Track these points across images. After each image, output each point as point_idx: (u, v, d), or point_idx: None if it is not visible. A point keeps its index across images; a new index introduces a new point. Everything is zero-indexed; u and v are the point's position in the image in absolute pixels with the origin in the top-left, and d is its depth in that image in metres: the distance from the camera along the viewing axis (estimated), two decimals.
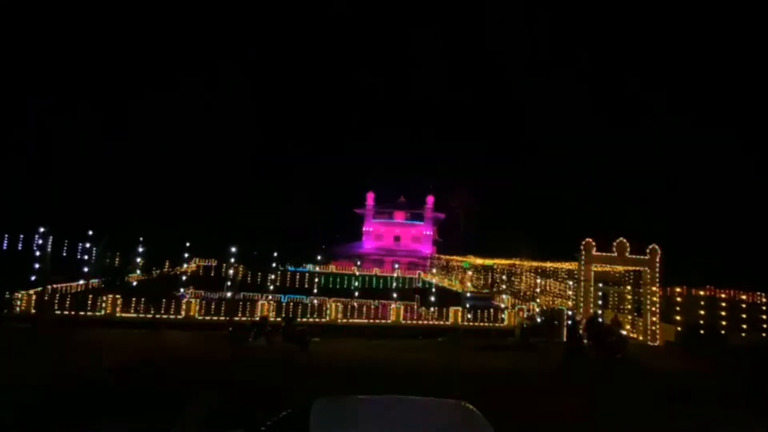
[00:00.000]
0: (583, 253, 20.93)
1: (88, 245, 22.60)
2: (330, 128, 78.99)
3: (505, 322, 20.60)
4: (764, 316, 20.18)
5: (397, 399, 5.12)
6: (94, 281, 21.74)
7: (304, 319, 18.02)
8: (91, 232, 22.23)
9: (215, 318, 17.88)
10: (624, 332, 18.68)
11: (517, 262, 30.33)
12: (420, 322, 20.09)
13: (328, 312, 19.07)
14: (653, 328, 20.21)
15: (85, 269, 20.89)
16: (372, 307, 20.50)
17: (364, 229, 50.30)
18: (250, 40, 75.53)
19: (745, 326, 19.53)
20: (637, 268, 21.56)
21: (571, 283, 22.96)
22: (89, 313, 16.83)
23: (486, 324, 20.33)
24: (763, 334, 19.60)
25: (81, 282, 20.31)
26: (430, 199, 49.54)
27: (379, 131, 76.40)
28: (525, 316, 21.21)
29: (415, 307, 22.61)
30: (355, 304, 20.39)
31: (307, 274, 33.20)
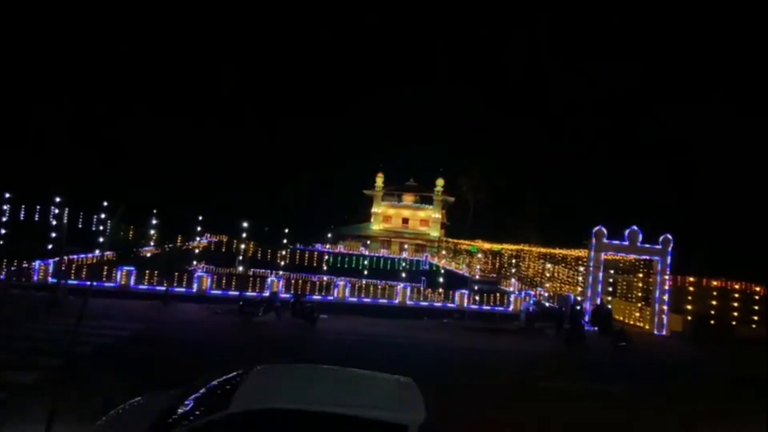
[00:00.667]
0: (594, 240, 20.73)
1: (103, 216, 22.84)
2: (342, 107, 78.27)
3: (511, 307, 20.68)
4: None
5: (339, 371, 5.12)
6: (109, 253, 22.25)
7: (313, 297, 18.30)
8: (106, 203, 22.44)
9: (227, 293, 18.26)
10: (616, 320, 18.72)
11: (526, 248, 30.21)
12: (426, 303, 20.26)
13: (336, 291, 19.32)
14: (661, 317, 20.12)
15: (100, 239, 21.23)
16: (379, 287, 20.69)
17: (372, 210, 50.29)
18: (262, 14, 74.00)
19: (756, 318, 19.33)
20: (649, 257, 21.33)
21: (581, 269, 22.78)
22: (104, 284, 17.30)
23: (492, 307, 20.44)
24: None
25: (96, 254, 20.78)
26: (441, 182, 49.15)
27: (392, 112, 75.40)
28: (531, 301, 21.25)
29: (422, 288, 22.78)
30: (363, 283, 20.61)
31: (316, 254, 33.56)
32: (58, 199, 18.58)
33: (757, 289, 20.35)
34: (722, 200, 37.46)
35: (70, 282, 16.48)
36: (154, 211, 24.22)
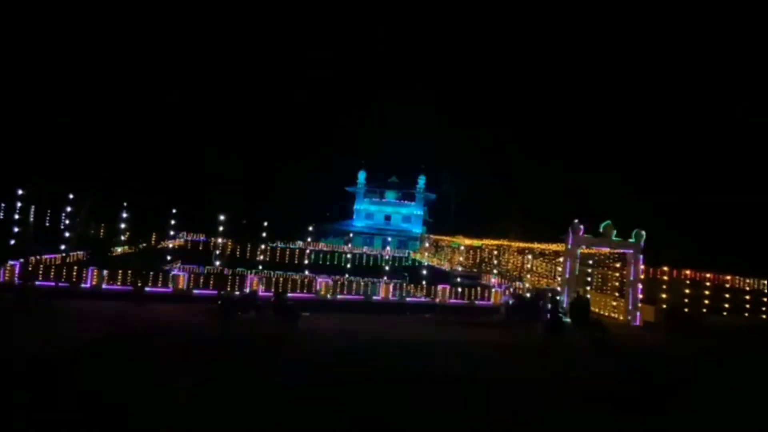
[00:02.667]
0: (571, 234, 21.24)
1: (69, 209, 21.51)
2: (323, 103, 77.50)
3: (492, 301, 20.98)
4: (747, 297, 20.97)
5: None
6: (79, 252, 21.38)
7: (295, 294, 18.09)
8: (72, 196, 21.13)
9: (204, 291, 17.83)
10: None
11: (505, 243, 30.72)
12: (408, 299, 20.34)
13: (318, 288, 19.15)
14: (635, 308, 20.82)
15: (66, 234, 20.13)
16: (361, 283, 20.62)
17: (354, 207, 50.16)
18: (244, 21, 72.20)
19: (727, 306, 20.25)
20: (623, 251, 22.01)
21: (560, 261, 23.29)
22: (75, 285, 16.63)
23: (473, 302, 20.68)
24: (746, 314, 20.39)
25: (65, 254, 19.90)
26: (422, 179, 49.43)
27: (373, 108, 75.08)
28: (511, 293, 21.62)
29: (404, 284, 22.84)
30: (345, 280, 20.50)
31: (297, 251, 33.18)
32: (20, 192, 17.58)
33: (728, 278, 21.31)
34: (695, 196, 39.04)
35: (38, 283, 15.77)
36: (125, 204, 23.02)
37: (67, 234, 19.93)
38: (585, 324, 16.62)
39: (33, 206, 17.62)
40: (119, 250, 23.82)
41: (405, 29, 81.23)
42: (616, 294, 22.54)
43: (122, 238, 23.18)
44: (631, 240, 21.44)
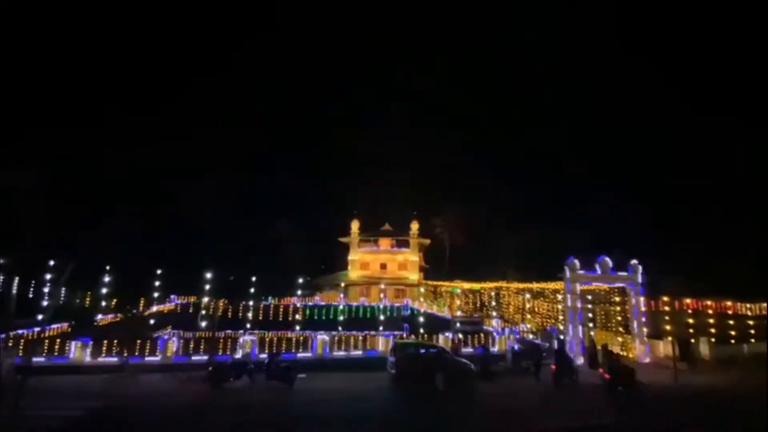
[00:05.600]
0: (568, 272, 21.04)
1: (49, 276, 20.62)
2: (313, 155, 79.35)
3: (496, 347, 20.19)
4: (750, 323, 20.48)
5: None
6: (64, 324, 20.43)
7: (289, 354, 17.23)
8: (52, 263, 20.20)
9: (195, 357, 16.91)
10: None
11: (504, 284, 30.27)
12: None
13: (314, 346, 18.31)
14: (642, 344, 20.18)
15: (45, 302, 19.10)
16: (360, 337, 19.81)
17: (349, 257, 49.66)
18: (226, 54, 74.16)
19: (733, 333, 19.68)
20: (622, 285, 21.75)
21: (560, 299, 22.82)
22: (56, 360, 15.70)
23: (478, 349, 19.84)
24: (752, 341, 19.80)
25: (44, 327, 18.90)
26: (415, 225, 49.60)
27: (363, 158, 77.02)
28: (515, 338, 20.90)
29: (404, 336, 22.02)
30: (342, 336, 19.68)
31: (291, 307, 32.19)
32: (1, 261, 16.82)
33: (728, 303, 20.97)
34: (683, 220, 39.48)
35: (17, 360, 14.83)
36: (107, 267, 22.10)
37: (45, 302, 19.04)
38: (613, 373, 15.08)
39: (17, 277, 16.95)
40: (105, 318, 22.83)
41: (397, 78, 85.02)
42: (621, 329, 21.95)
43: (106, 303, 22.19)
44: (626, 273, 21.28)
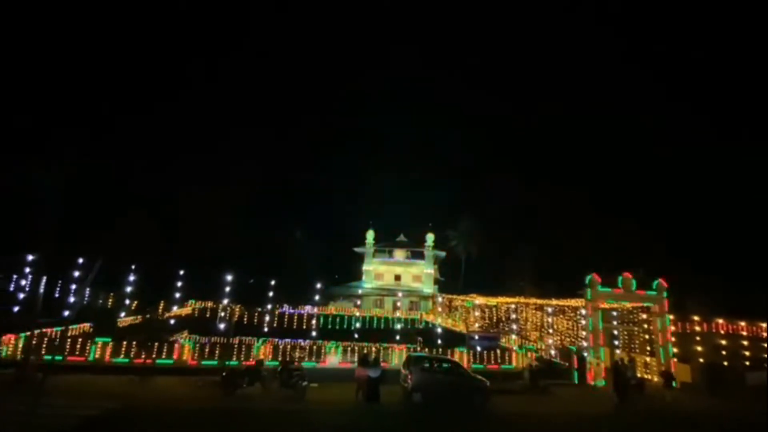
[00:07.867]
0: (589, 289, 20.41)
1: (77, 273, 20.98)
2: (330, 165, 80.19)
3: (513, 364, 19.64)
4: None
5: None
6: (85, 324, 20.91)
7: (302, 363, 17.15)
8: (81, 260, 20.69)
9: (209, 362, 17.02)
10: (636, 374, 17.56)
11: (522, 300, 29.55)
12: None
13: (327, 355, 18.20)
14: (668, 368, 19.26)
15: (71, 300, 19.49)
16: (373, 349, 19.59)
17: (363, 268, 49.55)
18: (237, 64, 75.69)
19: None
20: (645, 304, 20.93)
21: (582, 317, 22.08)
22: (78, 358, 16.04)
23: (493, 366, 19.38)
24: None
25: (67, 325, 19.39)
26: (431, 237, 49.23)
27: (380, 169, 77.39)
28: (534, 356, 20.28)
29: (419, 349, 21.69)
30: (356, 346, 19.51)
31: (305, 315, 32.22)
32: (30, 258, 17.17)
33: (763, 325, 19.82)
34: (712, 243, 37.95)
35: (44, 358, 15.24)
36: (132, 266, 22.62)
37: (72, 299, 19.51)
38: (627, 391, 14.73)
39: (44, 277, 17.46)
40: (125, 319, 23.29)
41: (408, 91, 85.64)
42: (647, 350, 21.03)
43: (128, 304, 22.65)
44: (652, 292, 20.48)
